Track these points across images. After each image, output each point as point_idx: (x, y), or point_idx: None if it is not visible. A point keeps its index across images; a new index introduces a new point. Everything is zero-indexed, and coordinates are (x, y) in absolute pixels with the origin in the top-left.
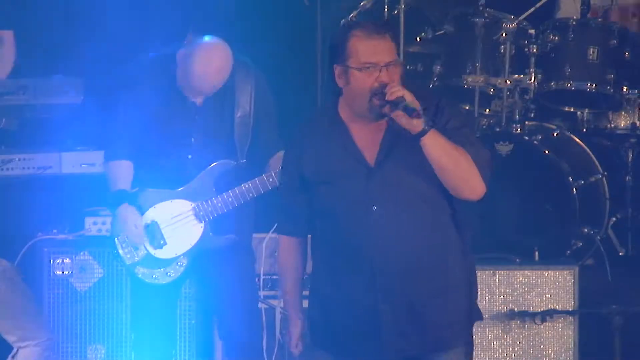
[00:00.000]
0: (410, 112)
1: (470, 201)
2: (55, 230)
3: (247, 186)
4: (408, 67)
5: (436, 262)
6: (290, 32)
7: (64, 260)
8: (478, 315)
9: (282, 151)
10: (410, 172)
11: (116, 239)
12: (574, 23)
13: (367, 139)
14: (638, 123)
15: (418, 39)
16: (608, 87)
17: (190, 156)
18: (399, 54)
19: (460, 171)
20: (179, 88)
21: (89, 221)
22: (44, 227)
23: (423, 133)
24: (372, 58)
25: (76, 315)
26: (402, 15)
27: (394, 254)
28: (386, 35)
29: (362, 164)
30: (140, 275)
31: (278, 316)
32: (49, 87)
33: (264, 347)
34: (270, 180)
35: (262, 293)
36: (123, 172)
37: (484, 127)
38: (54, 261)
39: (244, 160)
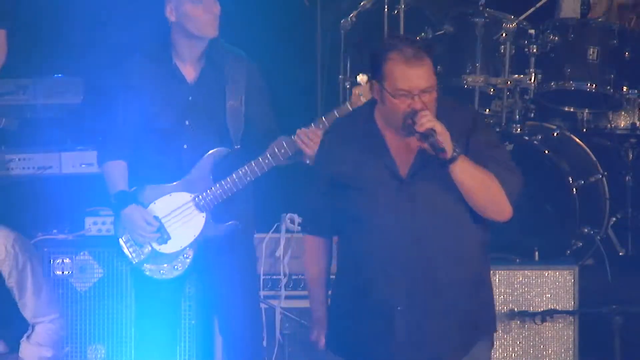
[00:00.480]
0: (436, 150)
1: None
2: (55, 230)
3: (244, 170)
4: None
5: (461, 270)
6: (290, 32)
7: (64, 260)
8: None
9: (282, 137)
10: (440, 190)
11: (120, 239)
12: (574, 23)
13: (401, 151)
14: (638, 123)
15: (418, 39)
16: (608, 87)
17: (185, 146)
18: (436, 74)
19: (487, 195)
20: (175, 65)
21: (89, 221)
22: (44, 227)
23: (451, 160)
24: (407, 86)
25: (76, 315)
26: (402, 15)
27: (418, 263)
28: (424, 59)
29: (394, 175)
30: (147, 273)
31: (278, 316)
32: (49, 87)
33: (264, 347)
34: (266, 161)
35: (262, 293)
36: (120, 173)
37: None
38: (54, 261)
39: (238, 147)
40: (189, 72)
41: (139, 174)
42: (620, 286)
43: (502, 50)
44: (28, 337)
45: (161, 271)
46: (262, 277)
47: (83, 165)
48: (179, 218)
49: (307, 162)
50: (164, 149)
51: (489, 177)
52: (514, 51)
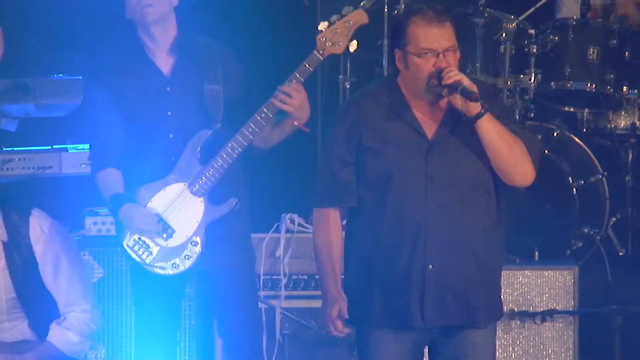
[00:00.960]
0: (467, 94)
1: (518, 188)
2: None
3: (230, 145)
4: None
5: (482, 242)
6: (290, 32)
7: None
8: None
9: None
10: (466, 152)
11: (125, 245)
12: (574, 23)
13: (427, 115)
14: (638, 123)
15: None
16: (608, 87)
17: (171, 135)
18: (456, 39)
19: (513, 156)
20: (149, 60)
21: (89, 221)
22: None
23: (479, 116)
24: (431, 44)
25: None
26: None
27: (444, 226)
28: (445, 21)
29: (422, 137)
30: (161, 271)
31: (278, 316)
32: (49, 87)
33: (264, 347)
34: (250, 129)
35: (262, 293)
36: (112, 180)
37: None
38: None
39: (219, 124)
40: (164, 65)
41: (130, 176)
42: (620, 286)
43: (502, 50)
44: (58, 322)
45: (174, 265)
46: (262, 277)
47: (83, 165)
48: (179, 209)
49: (296, 123)
50: (150, 143)
51: (514, 137)
52: (514, 51)
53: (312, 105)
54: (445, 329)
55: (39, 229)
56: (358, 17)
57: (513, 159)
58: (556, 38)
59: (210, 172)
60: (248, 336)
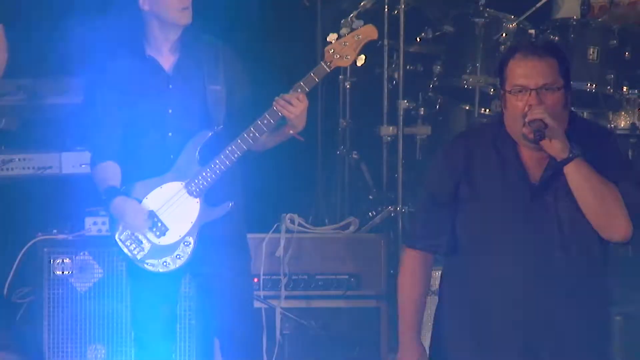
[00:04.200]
0: (537, 133)
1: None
2: (55, 230)
3: (230, 148)
4: (408, 67)
5: (578, 323)
6: (290, 32)
7: (64, 260)
8: None
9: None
10: (572, 206)
11: (117, 238)
12: (574, 23)
13: (534, 163)
14: (638, 123)
15: (418, 39)
16: (608, 87)
17: (170, 134)
18: (567, 79)
19: (602, 207)
20: (150, 57)
21: (89, 221)
22: (44, 227)
23: (567, 161)
24: (523, 80)
25: (76, 315)
26: (402, 15)
27: (545, 279)
28: (547, 56)
29: (525, 185)
30: (151, 268)
31: (278, 316)
32: (49, 87)
33: (264, 347)
34: (251, 135)
35: (262, 293)
36: (109, 172)
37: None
38: (54, 261)
39: (221, 126)
40: (166, 61)
41: (128, 171)
42: (620, 286)
43: (502, 50)
44: None
45: (164, 263)
46: (262, 277)
47: (83, 165)
48: (174, 208)
49: (291, 132)
50: (149, 140)
51: (607, 186)
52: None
53: (312, 105)
54: None
55: None
56: (368, 32)
57: (602, 211)
58: (556, 38)
59: (208, 174)
60: (245, 336)
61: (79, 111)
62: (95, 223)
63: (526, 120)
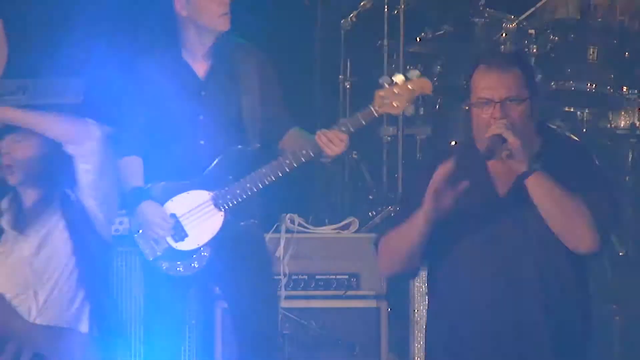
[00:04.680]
0: (488, 153)
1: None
2: None
3: (264, 170)
4: (408, 67)
5: (559, 307)
6: (290, 32)
7: None
8: None
9: (294, 129)
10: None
11: (135, 236)
12: (574, 23)
13: (502, 172)
14: (638, 123)
15: (418, 39)
16: (608, 87)
17: (202, 142)
18: (532, 89)
19: (565, 220)
20: (184, 61)
21: None
22: None
23: (526, 175)
24: (487, 93)
25: None
26: (402, 15)
27: (515, 295)
28: (510, 68)
29: (493, 196)
30: (164, 269)
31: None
32: (49, 87)
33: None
34: (287, 162)
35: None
36: (134, 169)
37: None
38: None
39: (258, 145)
40: (199, 68)
41: (156, 171)
42: (620, 286)
43: (502, 50)
44: None
45: (178, 268)
46: None
47: None
48: (197, 216)
49: (322, 160)
50: (180, 145)
51: (571, 199)
52: (513, 50)
53: (311, 104)
54: None
55: None
56: (422, 85)
57: (564, 221)
58: (556, 38)
59: (238, 191)
60: (260, 308)
61: (104, 110)
62: None
63: (486, 135)
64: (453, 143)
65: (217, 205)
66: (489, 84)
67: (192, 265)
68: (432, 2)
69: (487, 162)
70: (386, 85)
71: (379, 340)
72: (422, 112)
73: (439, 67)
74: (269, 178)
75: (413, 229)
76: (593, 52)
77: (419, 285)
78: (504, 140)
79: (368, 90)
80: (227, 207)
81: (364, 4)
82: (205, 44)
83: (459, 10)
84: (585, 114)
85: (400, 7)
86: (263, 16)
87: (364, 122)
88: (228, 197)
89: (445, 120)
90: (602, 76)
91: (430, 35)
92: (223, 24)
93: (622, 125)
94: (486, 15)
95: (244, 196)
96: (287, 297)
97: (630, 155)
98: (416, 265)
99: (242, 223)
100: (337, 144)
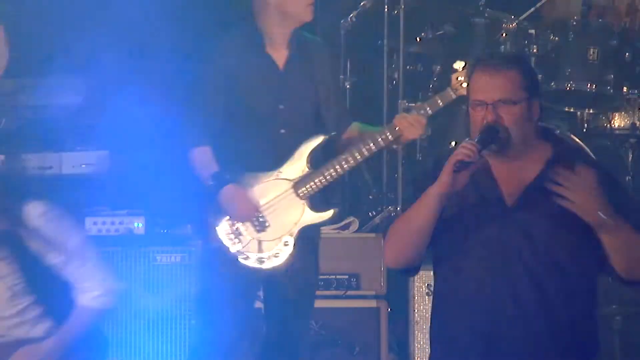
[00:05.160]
0: (457, 166)
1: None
2: None
3: (344, 157)
4: (408, 67)
5: (565, 327)
6: None
7: None
8: None
9: (355, 123)
10: (552, 226)
11: (218, 228)
12: (574, 23)
13: (507, 176)
14: (638, 123)
15: (418, 39)
16: (608, 87)
17: (282, 131)
18: (530, 91)
19: (633, 253)
20: (266, 52)
21: (89, 221)
22: None
23: (604, 227)
24: (480, 94)
25: None
26: (402, 15)
27: (517, 306)
28: (506, 69)
29: (499, 204)
30: (245, 261)
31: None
32: (49, 87)
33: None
34: (367, 147)
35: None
36: (209, 158)
37: None
38: None
39: (334, 133)
40: (279, 58)
41: (233, 161)
42: (620, 286)
43: (502, 51)
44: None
45: (260, 259)
46: None
47: (83, 165)
48: (279, 206)
49: (395, 146)
50: (260, 134)
51: (636, 234)
52: (514, 51)
53: None
54: None
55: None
56: None
57: (632, 257)
58: (556, 38)
59: (318, 179)
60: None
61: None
62: (95, 223)
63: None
64: (453, 144)
65: (298, 195)
66: (482, 86)
67: (276, 256)
68: (432, 2)
69: (491, 165)
70: (459, 69)
71: (379, 340)
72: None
73: (439, 67)
74: (349, 164)
75: (422, 207)
76: (593, 52)
77: (419, 285)
78: (497, 131)
79: (368, 90)
80: (308, 197)
81: (364, 4)
82: (285, 35)
83: (459, 10)
84: (585, 114)
85: (400, 7)
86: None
87: (441, 105)
88: (309, 186)
89: (445, 121)
90: (602, 76)
91: (430, 35)
92: (309, 14)
93: (622, 125)
94: (486, 15)
95: (323, 185)
96: None
97: (630, 155)
98: (419, 256)
99: (322, 212)
100: (417, 128)
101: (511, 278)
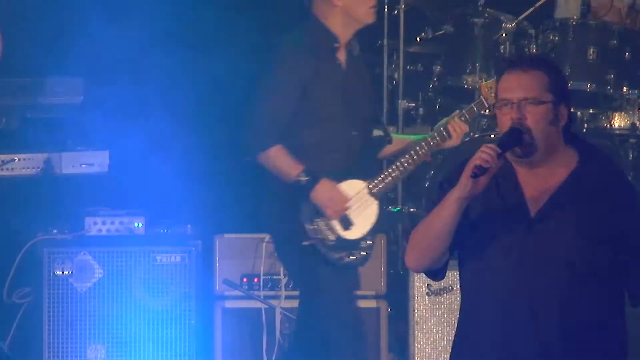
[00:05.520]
0: (475, 171)
1: None
2: (55, 231)
3: (405, 158)
4: (408, 67)
5: (594, 338)
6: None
7: (64, 260)
8: None
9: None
10: (576, 236)
11: (307, 227)
12: (574, 23)
13: (533, 185)
14: (638, 123)
15: (418, 39)
16: (608, 87)
17: (354, 133)
18: (557, 94)
19: None
20: (336, 56)
21: (89, 221)
22: (43, 227)
23: None
24: (506, 94)
25: (76, 315)
26: (402, 15)
27: (545, 318)
28: (532, 69)
29: (524, 214)
30: (336, 259)
31: (278, 316)
32: (49, 87)
33: (264, 347)
34: (423, 150)
35: (262, 293)
36: (288, 155)
37: (484, 127)
38: (54, 261)
39: (393, 134)
40: (342, 59)
41: (308, 163)
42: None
43: (502, 50)
44: None
45: (351, 257)
46: (262, 277)
47: (83, 165)
48: (358, 205)
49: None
50: (334, 136)
51: None
52: (514, 51)
53: None
54: None
55: None
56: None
57: None
58: (556, 38)
59: (388, 179)
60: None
61: (263, 88)
62: (95, 223)
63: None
64: (492, 136)
65: (372, 194)
66: (509, 85)
67: (362, 253)
68: (432, 2)
69: (516, 169)
70: (489, 80)
71: (379, 340)
72: (422, 112)
73: (439, 67)
74: (409, 164)
75: (443, 211)
76: (593, 52)
77: (419, 285)
78: (521, 133)
79: None
80: (379, 196)
81: None
82: (347, 37)
83: (459, 10)
84: (585, 114)
85: (400, 7)
86: (263, 17)
87: (477, 111)
88: (380, 185)
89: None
90: (602, 76)
91: (430, 35)
92: (372, 16)
93: (622, 125)
94: (486, 15)
95: (392, 184)
96: (287, 297)
97: (630, 155)
98: (442, 258)
99: (390, 212)
100: (460, 133)
101: (532, 290)
